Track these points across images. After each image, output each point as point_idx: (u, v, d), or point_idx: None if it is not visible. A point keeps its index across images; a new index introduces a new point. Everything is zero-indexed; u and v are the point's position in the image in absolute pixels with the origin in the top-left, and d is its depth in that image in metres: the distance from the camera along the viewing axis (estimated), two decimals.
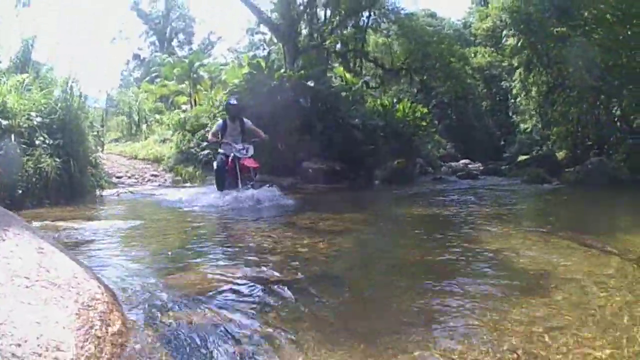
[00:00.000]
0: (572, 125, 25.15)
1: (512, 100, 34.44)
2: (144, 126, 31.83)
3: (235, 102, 13.16)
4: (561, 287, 4.14)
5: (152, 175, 20.27)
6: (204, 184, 17.25)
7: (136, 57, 63.59)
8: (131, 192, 14.95)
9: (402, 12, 34.91)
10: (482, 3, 38.17)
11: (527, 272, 4.78)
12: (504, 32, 26.20)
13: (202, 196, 12.22)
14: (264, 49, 46.29)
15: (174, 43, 63.26)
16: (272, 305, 3.73)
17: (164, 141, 25.01)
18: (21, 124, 11.06)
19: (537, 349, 2.86)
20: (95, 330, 2.52)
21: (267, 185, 12.08)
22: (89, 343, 2.39)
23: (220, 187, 12.08)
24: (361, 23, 33.79)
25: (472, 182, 19.83)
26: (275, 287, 4.23)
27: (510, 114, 37.62)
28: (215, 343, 2.90)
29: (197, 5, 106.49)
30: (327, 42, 29.43)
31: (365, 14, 33.01)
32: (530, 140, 31.95)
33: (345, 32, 33.34)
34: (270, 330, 3.15)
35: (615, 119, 23.89)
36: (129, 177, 19.18)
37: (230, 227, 8.28)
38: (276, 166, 16.55)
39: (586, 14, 21.16)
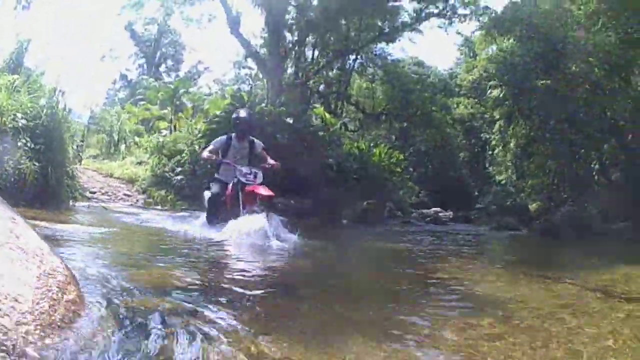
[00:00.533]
0: (547, 178, 25.49)
1: (490, 152, 34.77)
2: (122, 146, 31.97)
3: (245, 115, 10.63)
4: (512, 310, 4.33)
5: (125, 194, 20.44)
6: (174, 208, 17.44)
7: (123, 77, 63.50)
8: (104, 208, 15.10)
9: (389, 57, 35.46)
10: (471, 55, 38.74)
11: (478, 297, 5.02)
12: (490, 84, 26.60)
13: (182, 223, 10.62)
14: (249, 83, 46.63)
15: (162, 68, 63.27)
16: (232, 304, 3.87)
17: (140, 163, 25.20)
18: (7, 123, 11.21)
19: None
20: (52, 293, 2.69)
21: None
22: (45, 302, 2.56)
23: (212, 221, 9.72)
24: (347, 66, 34.15)
25: (440, 227, 20.07)
26: (236, 291, 4.43)
27: (487, 165, 37.93)
28: (168, 326, 3.07)
29: (190, 33, 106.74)
30: (312, 81, 29.78)
31: (352, 56, 33.42)
32: (504, 192, 32.18)
33: (330, 73, 33.73)
34: (229, 323, 3.30)
35: (594, 173, 24.28)
36: (103, 194, 19.33)
37: (195, 242, 8.37)
38: None
39: (573, 67, 21.52)
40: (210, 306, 3.56)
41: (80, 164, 20.18)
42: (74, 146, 15.81)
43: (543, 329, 3.72)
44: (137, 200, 19.69)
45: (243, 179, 9.61)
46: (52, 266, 3.02)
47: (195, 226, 9.97)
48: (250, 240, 8.16)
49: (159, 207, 18.41)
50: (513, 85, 23.58)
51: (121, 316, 3.08)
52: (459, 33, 34.86)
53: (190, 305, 3.50)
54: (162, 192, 20.06)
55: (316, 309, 4.12)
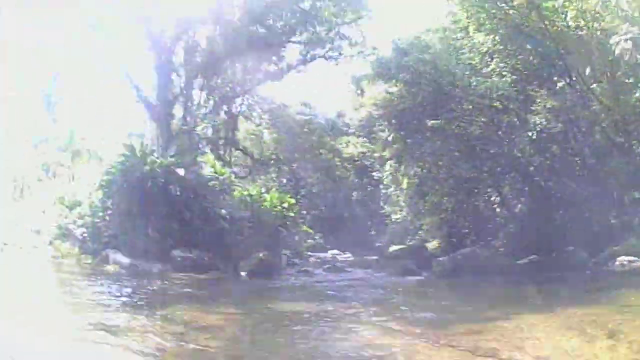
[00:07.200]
0: (446, 215, 25.29)
1: (384, 191, 34.62)
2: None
3: None
4: None
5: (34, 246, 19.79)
6: (79, 263, 17.05)
7: None
8: None
9: (275, 101, 35.14)
10: (359, 92, 38.38)
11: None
12: (378, 127, 26.47)
13: None
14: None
15: None
16: None
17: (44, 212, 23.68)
18: None
19: None
20: None
21: None
22: None
23: None
24: (234, 110, 33.76)
25: (338, 275, 19.41)
26: None
27: (382, 204, 37.59)
28: None
29: None
30: (200, 127, 29.24)
31: (239, 100, 33.16)
32: (402, 231, 31.84)
33: (217, 119, 33.13)
34: None
35: (495, 206, 24.28)
36: None
37: None
38: (148, 251, 16.42)
39: (465, 105, 21.39)
40: None
41: None
42: None
43: None
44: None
45: None
46: None
47: None
48: None
49: (66, 261, 17.76)
50: (401, 128, 23.49)
51: None
52: (345, 74, 34.49)
53: None
54: (67, 246, 19.05)
55: None
